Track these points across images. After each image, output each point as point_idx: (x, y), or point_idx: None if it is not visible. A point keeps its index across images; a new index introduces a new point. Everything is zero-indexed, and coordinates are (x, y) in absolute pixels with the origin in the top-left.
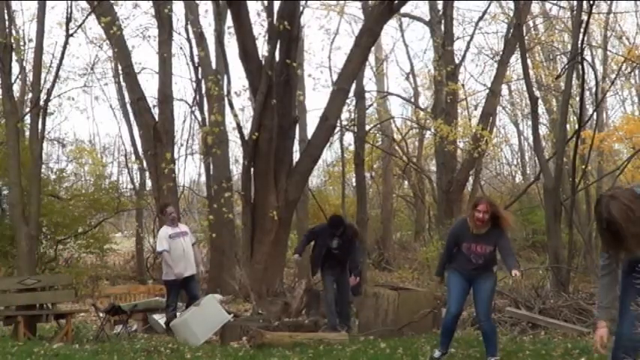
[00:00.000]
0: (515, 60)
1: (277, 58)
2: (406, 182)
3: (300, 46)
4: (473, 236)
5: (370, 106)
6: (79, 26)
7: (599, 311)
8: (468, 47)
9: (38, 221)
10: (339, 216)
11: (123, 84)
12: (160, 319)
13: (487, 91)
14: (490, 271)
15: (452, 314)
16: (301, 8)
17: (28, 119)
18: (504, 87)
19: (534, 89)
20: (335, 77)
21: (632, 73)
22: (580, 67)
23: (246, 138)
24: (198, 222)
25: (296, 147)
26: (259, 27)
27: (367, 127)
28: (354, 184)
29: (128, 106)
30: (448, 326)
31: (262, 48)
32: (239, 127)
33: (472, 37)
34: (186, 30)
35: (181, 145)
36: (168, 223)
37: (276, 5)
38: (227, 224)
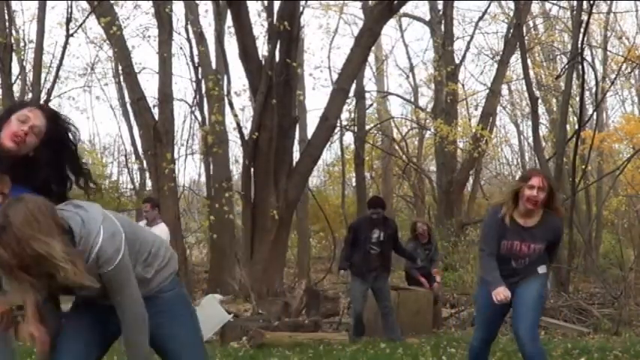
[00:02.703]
0: (515, 60)
1: (277, 58)
2: (406, 182)
3: (300, 46)
4: (516, 230)
5: (370, 106)
6: (79, 26)
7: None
8: (468, 47)
9: None
10: (381, 197)
11: (123, 84)
12: None
13: (487, 91)
14: (535, 273)
15: (479, 340)
16: (301, 8)
17: None
18: (504, 87)
19: (534, 89)
20: (335, 77)
21: (632, 73)
22: (580, 67)
23: (246, 138)
24: (199, 222)
25: (296, 147)
26: (259, 27)
27: (367, 127)
28: (354, 184)
29: (128, 106)
30: (474, 357)
31: (262, 48)
32: (239, 127)
33: (472, 37)
34: (186, 30)
35: (182, 145)
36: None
37: (276, 5)
38: (227, 224)
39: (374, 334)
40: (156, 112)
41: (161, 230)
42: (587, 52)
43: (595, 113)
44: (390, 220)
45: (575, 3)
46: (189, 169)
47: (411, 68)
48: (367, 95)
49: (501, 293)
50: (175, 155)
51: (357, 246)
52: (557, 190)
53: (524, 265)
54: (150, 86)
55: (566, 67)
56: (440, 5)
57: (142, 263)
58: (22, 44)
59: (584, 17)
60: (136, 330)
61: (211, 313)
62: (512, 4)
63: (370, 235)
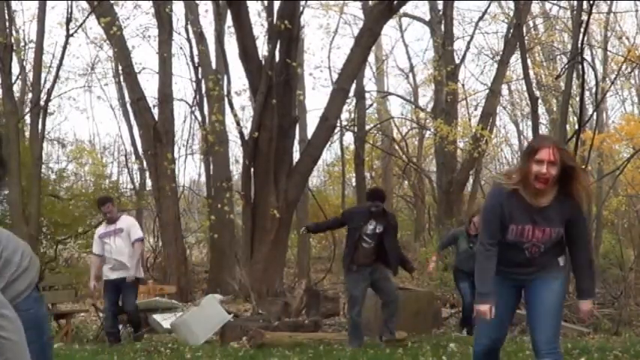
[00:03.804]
0: (515, 60)
1: (277, 58)
2: (406, 182)
3: (300, 46)
4: (527, 211)
5: (370, 106)
6: (80, 26)
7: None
8: (468, 47)
9: (38, 221)
10: (381, 189)
11: (123, 84)
12: (159, 319)
13: (487, 91)
14: (554, 268)
15: (483, 345)
16: (301, 8)
17: (28, 119)
18: (504, 87)
19: (534, 89)
20: (335, 77)
21: (632, 73)
22: (580, 67)
23: (246, 138)
24: (199, 222)
25: (296, 147)
26: (259, 27)
27: (367, 127)
28: (354, 184)
29: (128, 106)
30: None
31: (262, 48)
32: (239, 127)
33: (472, 37)
34: (186, 30)
35: (182, 145)
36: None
37: (276, 5)
38: (227, 224)
39: (374, 334)
40: (156, 112)
41: (129, 220)
42: (587, 52)
43: (595, 113)
44: (391, 214)
45: (575, 3)
46: (189, 169)
47: (411, 68)
48: (367, 95)
49: (485, 313)
50: (175, 155)
51: (348, 235)
52: (577, 164)
53: (539, 253)
54: (150, 86)
55: (566, 67)
56: (440, 5)
57: None
58: (22, 44)
59: (584, 17)
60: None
61: (211, 313)
62: (512, 4)
63: (364, 227)
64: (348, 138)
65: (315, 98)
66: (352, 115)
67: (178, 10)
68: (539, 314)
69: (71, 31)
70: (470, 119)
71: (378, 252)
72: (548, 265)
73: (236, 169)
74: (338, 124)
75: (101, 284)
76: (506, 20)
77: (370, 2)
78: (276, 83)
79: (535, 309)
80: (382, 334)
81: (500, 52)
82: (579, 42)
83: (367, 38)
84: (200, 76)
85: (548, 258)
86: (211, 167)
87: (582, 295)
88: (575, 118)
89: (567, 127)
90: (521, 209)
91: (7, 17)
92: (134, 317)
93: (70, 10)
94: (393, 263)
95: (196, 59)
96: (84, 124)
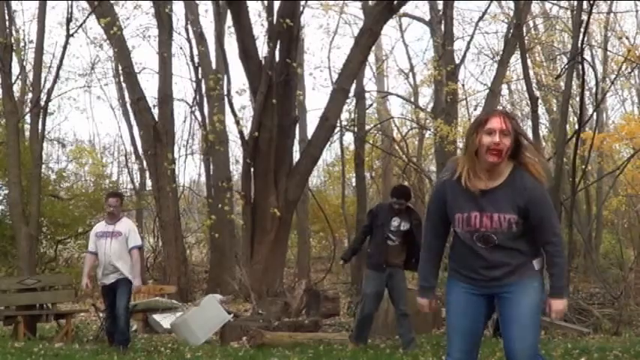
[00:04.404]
0: (515, 60)
1: (277, 58)
2: (406, 182)
3: (300, 46)
4: (472, 196)
5: (370, 106)
6: (80, 26)
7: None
8: (468, 47)
9: (38, 221)
10: (408, 187)
11: (123, 84)
12: (159, 319)
13: (487, 91)
14: (527, 272)
15: (454, 357)
16: (301, 8)
17: (28, 119)
18: (504, 87)
19: (534, 89)
20: (335, 77)
21: (632, 73)
22: (580, 67)
23: (246, 138)
24: (199, 222)
25: (296, 147)
26: (259, 27)
27: (367, 127)
28: (354, 184)
29: (128, 106)
30: None
31: (262, 48)
32: (239, 127)
33: (472, 37)
34: (186, 30)
35: (183, 145)
36: (105, 217)
37: (276, 5)
38: (227, 224)
39: (374, 334)
40: (156, 112)
41: (129, 224)
42: (587, 52)
43: (595, 113)
44: (415, 212)
45: (575, 3)
46: (189, 169)
47: (411, 68)
48: (367, 95)
49: (423, 308)
50: (175, 155)
51: (373, 234)
52: (526, 137)
53: (494, 247)
54: (150, 86)
55: (566, 67)
56: (440, 5)
57: None
58: (22, 44)
59: (584, 17)
60: None
61: (211, 313)
62: (512, 4)
63: (389, 223)
64: (348, 138)
65: (315, 98)
66: (352, 115)
67: (178, 10)
68: (515, 327)
69: (71, 31)
70: (470, 119)
71: (401, 252)
72: (518, 269)
73: (236, 169)
74: (338, 124)
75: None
76: (506, 20)
77: (370, 2)
78: (276, 83)
79: (509, 323)
80: (402, 346)
81: (500, 52)
82: (579, 42)
83: (367, 38)
84: (200, 76)
85: (511, 256)
86: (211, 167)
87: (553, 293)
88: (575, 118)
89: (567, 127)
90: (467, 196)
91: (7, 17)
92: (123, 322)
93: (70, 10)
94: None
95: (196, 59)
96: (84, 124)
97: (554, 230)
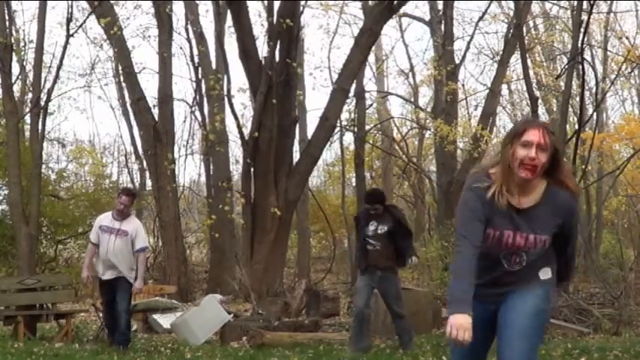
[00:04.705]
0: (515, 60)
1: (277, 58)
2: (406, 182)
3: (300, 46)
4: (507, 213)
5: (370, 106)
6: (80, 26)
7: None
8: (468, 47)
9: (38, 221)
10: (379, 190)
11: (123, 84)
12: (159, 319)
13: (487, 91)
14: (535, 279)
15: None
16: (301, 8)
17: (28, 119)
18: (504, 87)
19: (534, 89)
20: (335, 77)
21: (632, 73)
22: (580, 67)
23: (246, 138)
24: (199, 222)
25: (296, 147)
26: (259, 27)
27: (367, 127)
28: (354, 184)
29: (128, 106)
30: None
31: (262, 48)
32: (239, 127)
33: (472, 37)
34: (186, 30)
35: (183, 145)
36: (113, 211)
37: (276, 5)
38: (227, 224)
39: (373, 335)
40: (156, 112)
41: (136, 224)
42: (587, 52)
43: (595, 113)
44: (396, 211)
45: (575, 3)
46: (189, 169)
47: (411, 68)
48: (367, 95)
49: (461, 330)
50: (175, 155)
51: (357, 240)
52: (562, 153)
53: (520, 266)
54: (150, 86)
55: (566, 67)
56: (440, 5)
57: None
58: (22, 44)
59: (584, 17)
60: None
61: (211, 313)
62: (512, 4)
63: (367, 228)
64: (348, 138)
65: (315, 98)
66: (352, 115)
67: (178, 10)
68: (507, 336)
69: (71, 31)
70: (470, 119)
71: (385, 255)
72: (525, 281)
73: (236, 169)
74: (338, 124)
75: (96, 281)
76: (506, 20)
77: (370, 2)
78: (276, 83)
79: (503, 331)
80: (401, 347)
81: (500, 52)
82: (579, 42)
83: (367, 38)
84: (200, 76)
85: (528, 273)
86: (211, 167)
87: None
88: (575, 118)
89: (567, 127)
90: (500, 211)
91: (7, 17)
92: (125, 322)
93: (70, 10)
94: (405, 256)
95: (196, 59)
96: (84, 124)
97: (575, 241)
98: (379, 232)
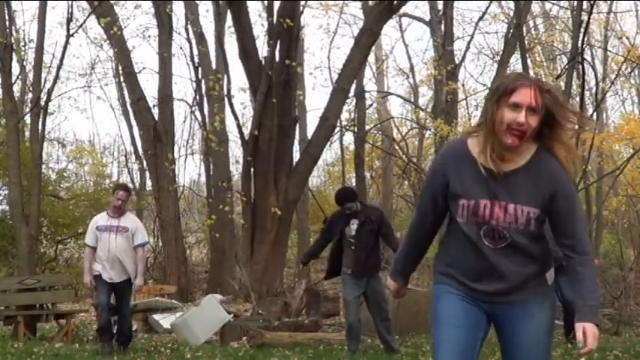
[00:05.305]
0: (515, 60)
1: (277, 58)
2: (406, 182)
3: (300, 46)
4: (483, 180)
5: (370, 106)
6: (80, 26)
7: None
8: (468, 47)
9: (38, 221)
10: (348, 187)
11: (123, 84)
12: (159, 319)
13: (487, 91)
14: (538, 287)
15: None
16: (301, 8)
17: (28, 119)
18: None
19: None
20: (335, 77)
21: (632, 73)
22: (580, 67)
23: (246, 138)
24: (199, 222)
25: (296, 147)
26: (259, 27)
27: (367, 127)
28: (354, 184)
29: (128, 106)
30: None
31: (262, 48)
32: (239, 127)
33: (472, 37)
34: (186, 30)
35: (183, 145)
36: (109, 210)
37: (276, 5)
38: (227, 224)
39: (373, 335)
40: (156, 112)
41: (136, 221)
42: (587, 52)
43: (595, 113)
44: (373, 208)
45: (575, 3)
46: (189, 169)
47: (411, 68)
48: (367, 95)
49: (391, 287)
50: (175, 155)
51: (335, 244)
52: (565, 108)
53: (505, 248)
54: (150, 86)
55: (566, 67)
56: (440, 5)
57: None
58: (22, 44)
59: (584, 17)
60: None
61: (211, 313)
62: (512, 4)
63: (348, 229)
64: (348, 138)
65: (315, 98)
66: (352, 115)
67: (178, 10)
68: (520, 352)
69: (71, 31)
70: (470, 119)
71: (370, 255)
72: (529, 281)
73: (236, 169)
74: (338, 124)
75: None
76: (506, 20)
77: (370, 2)
78: (276, 83)
79: (511, 344)
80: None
81: (500, 52)
82: (579, 42)
83: (367, 38)
84: (200, 76)
85: (522, 263)
86: (211, 167)
87: (582, 316)
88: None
89: None
90: (476, 177)
91: (7, 17)
92: (127, 323)
93: (70, 10)
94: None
95: (196, 59)
96: (84, 124)
97: (582, 228)
98: (362, 230)
